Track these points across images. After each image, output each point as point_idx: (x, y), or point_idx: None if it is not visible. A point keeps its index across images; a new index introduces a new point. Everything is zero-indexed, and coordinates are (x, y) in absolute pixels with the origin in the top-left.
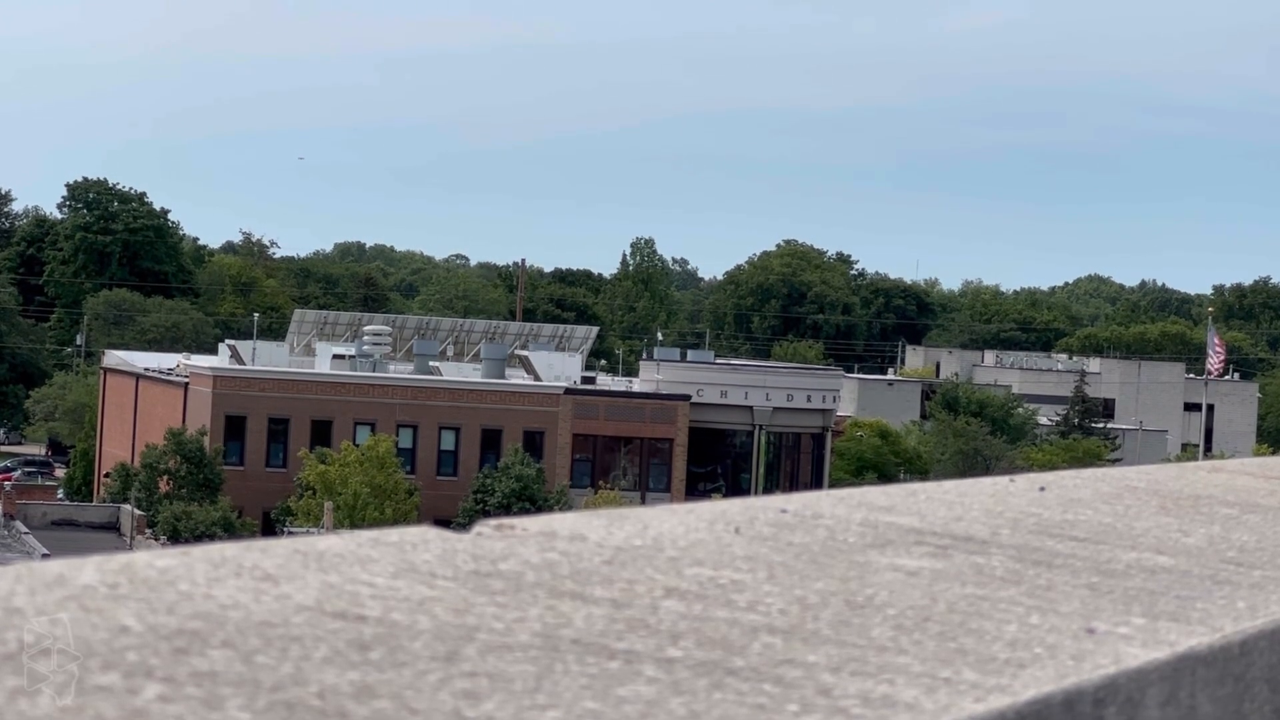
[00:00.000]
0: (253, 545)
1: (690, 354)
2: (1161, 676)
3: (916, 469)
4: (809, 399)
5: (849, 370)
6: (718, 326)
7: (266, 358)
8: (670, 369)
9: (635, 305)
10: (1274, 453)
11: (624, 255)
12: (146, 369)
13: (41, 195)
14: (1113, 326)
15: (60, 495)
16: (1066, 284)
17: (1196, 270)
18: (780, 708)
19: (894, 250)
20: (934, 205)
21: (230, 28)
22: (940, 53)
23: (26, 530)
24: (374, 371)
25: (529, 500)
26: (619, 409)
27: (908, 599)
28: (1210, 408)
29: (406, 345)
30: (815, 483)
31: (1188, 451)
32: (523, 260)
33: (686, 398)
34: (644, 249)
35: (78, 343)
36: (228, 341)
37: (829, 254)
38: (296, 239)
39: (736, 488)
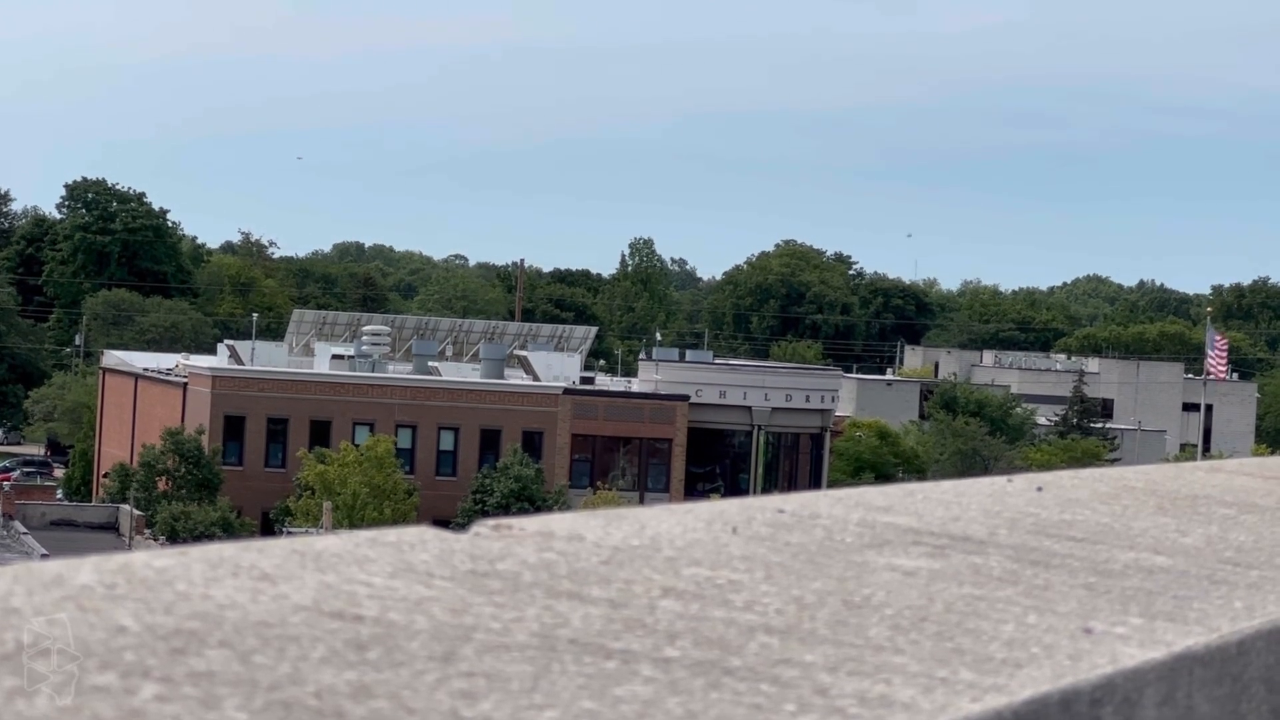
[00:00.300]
0: (250, 545)
1: (689, 354)
2: (1158, 676)
3: (915, 469)
4: (807, 399)
5: (847, 370)
6: (716, 327)
7: (265, 358)
8: (669, 369)
9: (634, 305)
10: (1272, 453)
11: (623, 255)
12: (145, 369)
13: (40, 195)
14: (1111, 326)
15: (59, 495)
16: (1065, 284)
17: (1195, 270)
18: (777, 707)
19: (893, 250)
20: (933, 205)
21: (229, 29)
22: (940, 53)
23: (25, 530)
24: (373, 372)
25: (528, 500)
26: (618, 409)
27: (905, 599)
28: (1209, 408)
29: (405, 345)
30: (813, 483)
31: (1186, 451)
32: (521, 260)
33: (685, 398)
34: (643, 249)
35: (77, 343)
36: (226, 341)
37: (828, 254)
38: (295, 239)
39: (735, 488)
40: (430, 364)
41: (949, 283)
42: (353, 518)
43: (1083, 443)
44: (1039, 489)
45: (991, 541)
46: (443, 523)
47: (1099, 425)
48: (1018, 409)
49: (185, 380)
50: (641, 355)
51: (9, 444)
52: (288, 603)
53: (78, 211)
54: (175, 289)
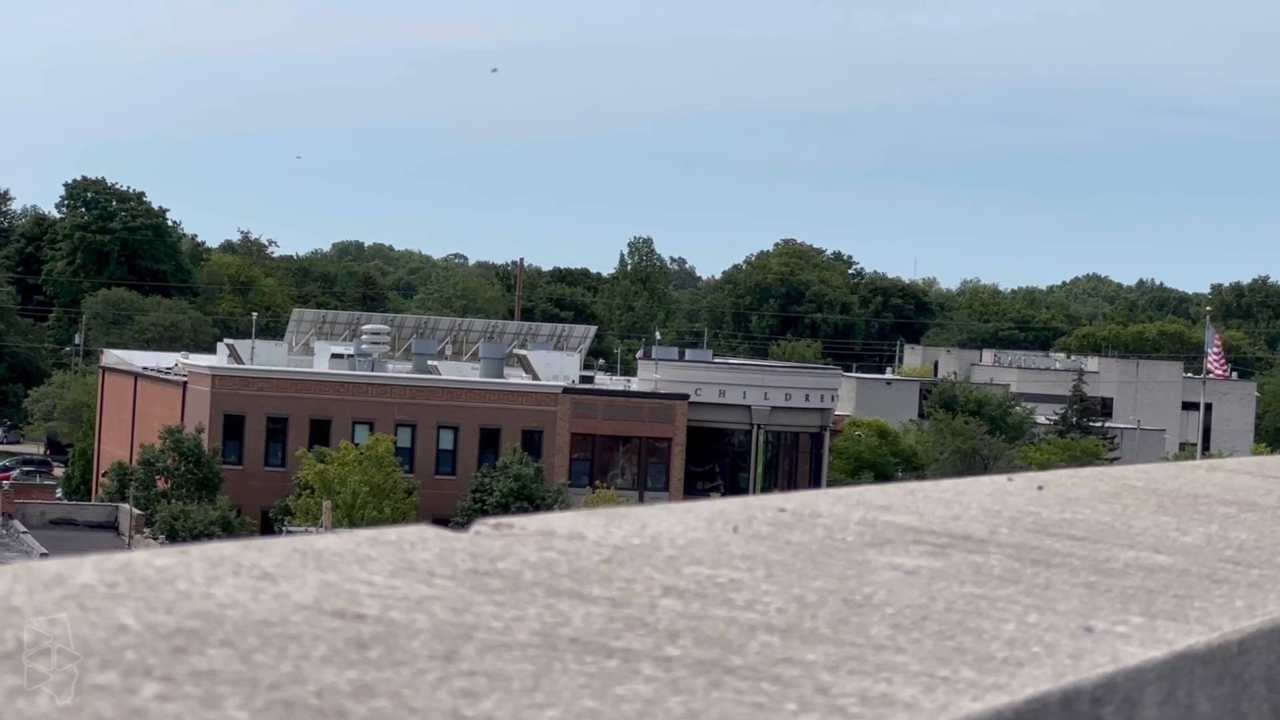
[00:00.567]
0: (251, 544)
1: (688, 353)
2: (1159, 675)
3: (914, 468)
4: (807, 398)
5: (847, 369)
6: (716, 326)
7: (265, 357)
8: (668, 368)
9: (634, 305)
10: (1272, 452)
11: (621, 255)
12: (145, 368)
13: (40, 194)
14: (1111, 325)
15: (59, 494)
16: (1065, 283)
17: (1195, 269)
18: (778, 706)
19: (892, 249)
20: (932, 204)
21: (229, 29)
22: (940, 53)
23: (25, 529)
24: (372, 371)
25: (527, 499)
26: (617, 408)
27: (906, 598)
28: (1208, 407)
29: (405, 344)
30: (813, 482)
31: (1186, 450)
32: (521, 259)
33: (685, 397)
34: (642, 248)
35: (76, 342)
36: (226, 341)
37: (827, 253)
38: (295, 238)
39: (735, 487)
40: (430, 363)
41: (948, 282)
42: (352, 517)
43: (1082, 442)
44: (1039, 488)
45: (992, 540)
46: (442, 522)
47: (1098, 424)
48: (1017, 408)
49: (185, 379)
50: (641, 354)
51: (9, 443)
52: (289, 602)
53: (77, 211)
54: (175, 288)
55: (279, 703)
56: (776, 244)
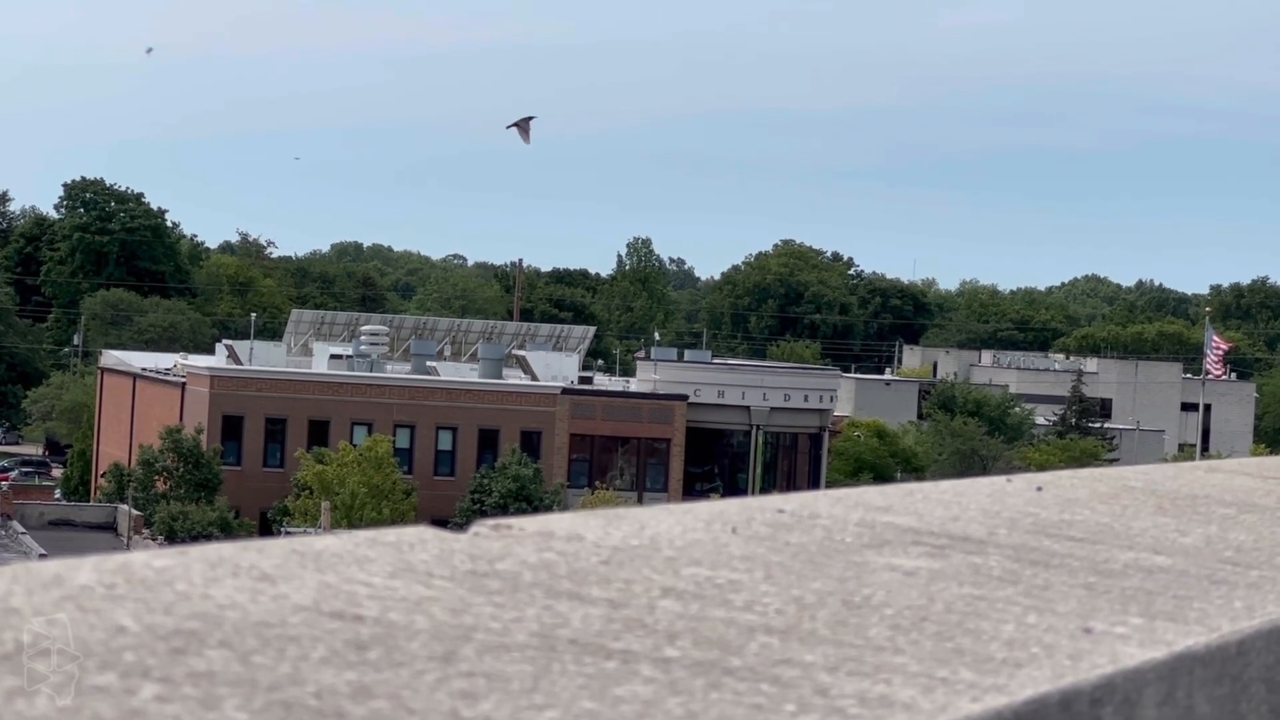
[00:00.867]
0: (250, 545)
1: (687, 354)
2: (1159, 676)
3: (913, 469)
4: (806, 399)
5: (846, 370)
6: (715, 326)
7: (264, 358)
8: (667, 369)
9: (632, 305)
10: (1271, 453)
11: (619, 256)
12: (144, 369)
13: (39, 195)
14: (1110, 326)
15: (57, 495)
16: (1064, 284)
17: (1194, 270)
18: (777, 707)
19: (891, 250)
20: (931, 205)
21: (228, 29)
22: (938, 53)
23: (23, 530)
24: (371, 371)
25: (526, 500)
26: (616, 409)
27: (905, 599)
28: (1207, 408)
29: (404, 345)
30: (812, 483)
31: (1185, 451)
32: (520, 260)
33: (684, 398)
34: (641, 249)
35: (75, 342)
36: (225, 341)
37: (826, 254)
38: (293, 239)
39: (734, 487)
40: (428, 364)
41: (947, 282)
42: (351, 517)
43: (1081, 442)
44: (1038, 489)
45: (991, 541)
46: (441, 523)
47: (1097, 425)
48: (1016, 409)
49: (184, 380)
50: (640, 354)
51: (7, 444)
52: (288, 603)
53: (76, 211)
54: (173, 289)
55: (278, 704)
56: (775, 244)
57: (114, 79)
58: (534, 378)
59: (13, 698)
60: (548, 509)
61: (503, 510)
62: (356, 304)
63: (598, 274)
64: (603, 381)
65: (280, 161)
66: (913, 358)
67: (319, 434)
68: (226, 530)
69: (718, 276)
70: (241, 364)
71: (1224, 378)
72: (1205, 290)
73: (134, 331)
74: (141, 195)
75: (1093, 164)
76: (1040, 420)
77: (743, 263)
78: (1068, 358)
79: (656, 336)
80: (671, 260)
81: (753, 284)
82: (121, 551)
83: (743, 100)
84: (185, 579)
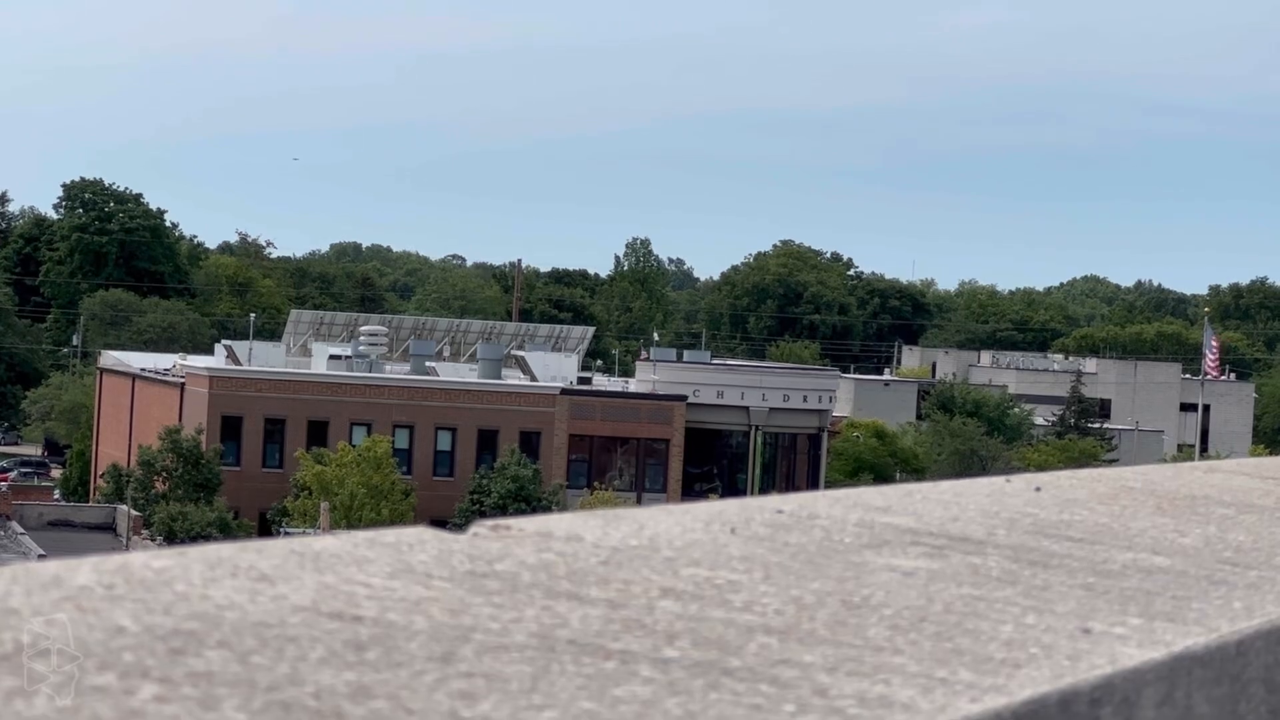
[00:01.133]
0: (249, 546)
1: (686, 354)
2: (1158, 677)
3: (913, 469)
4: (805, 399)
5: (845, 371)
6: (714, 327)
7: (263, 358)
8: (666, 369)
9: (631, 306)
10: (1270, 453)
11: (617, 257)
12: (143, 369)
13: (38, 195)
14: (1109, 326)
15: (56, 496)
16: (1063, 284)
17: (1193, 270)
18: (776, 708)
19: (890, 250)
20: (930, 205)
21: (227, 29)
22: (938, 53)
23: (23, 531)
24: (370, 372)
25: (525, 501)
26: (615, 409)
27: (904, 599)
28: (1206, 408)
29: (403, 346)
30: (811, 483)
31: (1184, 452)
32: (519, 260)
33: (683, 398)
34: (640, 249)
35: (74, 343)
36: (224, 342)
37: (825, 254)
38: (292, 239)
39: (733, 488)
40: (427, 364)
41: (946, 283)
42: (350, 518)
43: (1080, 443)
44: (1037, 489)
45: (990, 542)
46: (440, 523)
47: (1096, 425)
48: (1015, 409)
49: (183, 380)
50: (639, 355)
51: (6, 444)
52: (286, 603)
53: (75, 212)
54: (172, 289)
55: (277, 704)
56: (775, 245)
57: (113, 79)
58: (533, 378)
59: (12, 698)
60: (547, 510)
61: (502, 511)
62: (355, 304)
63: (597, 274)
64: (602, 382)
65: (279, 162)
66: (912, 358)
67: (318, 434)
68: (225, 531)
69: (717, 277)
70: (240, 364)
71: (1222, 378)
72: (1204, 290)
73: (133, 332)
74: (140, 195)
75: (1092, 164)
76: (1039, 421)
77: (742, 263)
78: (1067, 358)
79: (655, 337)
80: (670, 261)
81: (752, 284)
82: (120, 552)
83: (742, 100)
84: (184, 579)
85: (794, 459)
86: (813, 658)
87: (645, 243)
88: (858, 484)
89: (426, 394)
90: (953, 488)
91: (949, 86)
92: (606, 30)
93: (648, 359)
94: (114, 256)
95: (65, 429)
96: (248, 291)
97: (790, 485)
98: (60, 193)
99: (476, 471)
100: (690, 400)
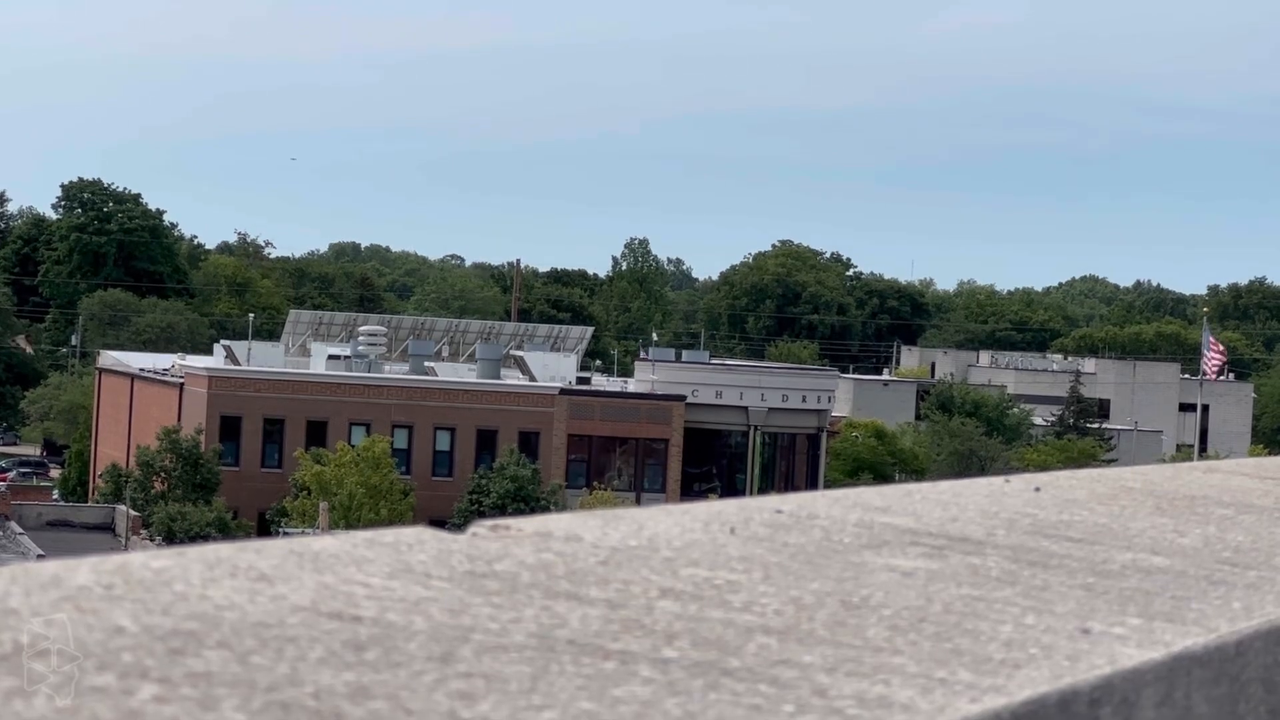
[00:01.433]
0: (248, 546)
1: (685, 354)
2: (1157, 677)
3: (912, 469)
4: (804, 399)
5: (844, 371)
6: (713, 327)
7: (262, 358)
8: (665, 369)
9: (630, 306)
10: (1269, 453)
11: (614, 258)
12: (141, 369)
13: (37, 195)
14: (1108, 327)
15: (55, 496)
16: (1061, 284)
17: (1192, 270)
18: (776, 708)
19: (889, 250)
20: (929, 205)
21: (225, 28)
22: (936, 53)
23: (21, 531)
24: (369, 372)
25: (524, 501)
26: (614, 409)
27: (903, 599)
28: (1205, 408)
29: (402, 346)
30: (810, 483)
31: (1183, 452)
32: (518, 260)
33: (682, 398)
34: (639, 249)
35: (73, 343)
36: (223, 342)
37: (824, 254)
38: (291, 239)
39: (732, 488)
40: (426, 364)
41: (945, 283)
42: (349, 518)
43: (1079, 443)
44: (1037, 489)
45: (989, 542)
46: (439, 523)
47: (1095, 425)
48: (1014, 409)
49: (181, 381)
50: (638, 355)
51: (5, 444)
52: (286, 603)
53: (74, 212)
54: (171, 289)
55: (276, 704)
56: (773, 245)
57: (112, 79)
58: (532, 378)
59: (11, 698)
60: (546, 509)
61: (501, 511)
62: (354, 304)
63: (595, 274)
64: (600, 382)
65: (278, 162)
66: (911, 358)
67: (317, 434)
68: (225, 531)
69: (715, 277)
70: (239, 364)
71: (1221, 379)
72: (1203, 290)
73: (132, 332)
74: (139, 196)
75: (1092, 164)
76: (1038, 421)
77: (740, 263)
78: (1066, 358)
79: (654, 337)
80: (669, 260)
81: (750, 284)
82: (119, 552)
83: (740, 100)
84: (183, 580)
85: (793, 459)
86: (812, 658)
87: (644, 243)
88: (857, 484)
89: (425, 394)
90: (952, 488)
91: (948, 86)
92: (606, 30)
93: (646, 359)
94: (113, 257)
95: (64, 429)
96: (246, 291)
97: (789, 485)
98: (59, 193)
99: (475, 471)
100: (689, 400)
